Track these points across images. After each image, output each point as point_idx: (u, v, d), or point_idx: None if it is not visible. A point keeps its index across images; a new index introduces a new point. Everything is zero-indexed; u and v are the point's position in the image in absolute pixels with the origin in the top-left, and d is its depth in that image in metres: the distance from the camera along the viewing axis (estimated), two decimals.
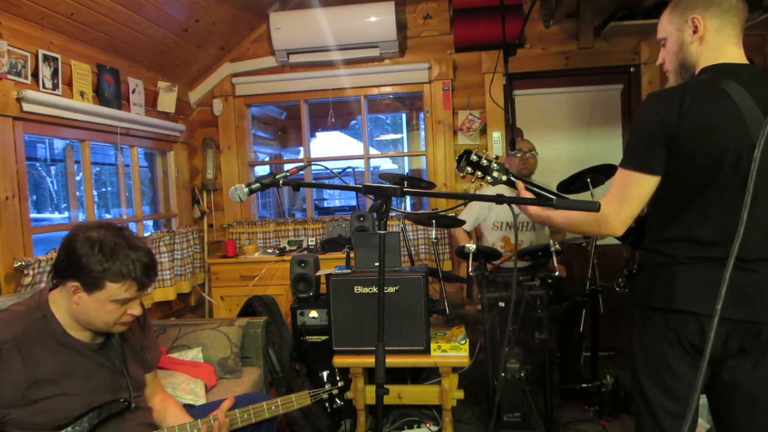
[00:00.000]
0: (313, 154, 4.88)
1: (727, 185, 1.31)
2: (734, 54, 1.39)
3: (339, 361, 2.59)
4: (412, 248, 3.68)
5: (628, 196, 1.39)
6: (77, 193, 3.02)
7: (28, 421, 1.39)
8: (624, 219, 1.39)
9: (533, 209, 1.52)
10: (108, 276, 1.41)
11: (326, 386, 1.84)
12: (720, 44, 1.39)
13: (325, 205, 5.99)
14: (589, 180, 2.83)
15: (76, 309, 1.46)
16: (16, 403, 1.38)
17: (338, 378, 1.87)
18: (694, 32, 1.40)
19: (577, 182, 2.86)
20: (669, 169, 1.36)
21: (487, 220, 3.30)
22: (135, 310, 1.51)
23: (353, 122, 5.98)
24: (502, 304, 2.67)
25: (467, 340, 2.59)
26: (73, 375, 1.47)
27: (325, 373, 1.87)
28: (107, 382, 1.53)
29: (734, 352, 1.33)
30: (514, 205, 1.50)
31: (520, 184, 1.57)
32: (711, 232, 1.33)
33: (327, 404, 1.84)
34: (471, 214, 3.31)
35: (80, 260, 1.40)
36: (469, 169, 1.57)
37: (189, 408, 1.91)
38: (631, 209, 1.39)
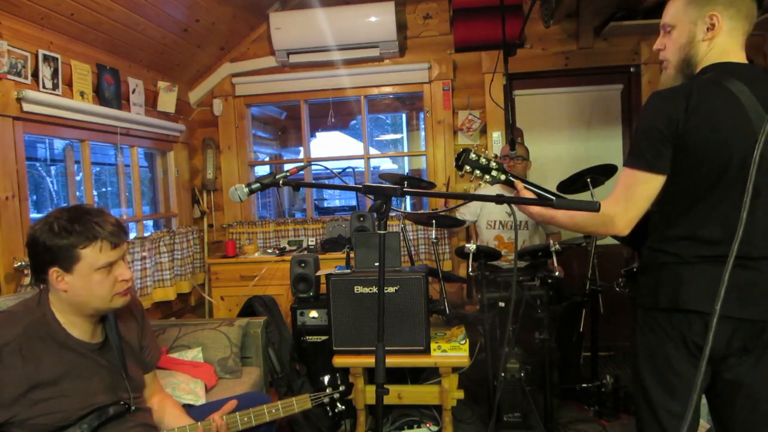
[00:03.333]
0: (313, 154, 4.88)
1: (733, 184, 1.31)
2: (737, 56, 1.39)
3: (339, 361, 2.59)
4: (412, 248, 3.68)
5: (634, 196, 1.38)
6: (77, 193, 3.01)
7: (30, 422, 1.39)
8: (630, 219, 1.39)
9: (535, 208, 1.51)
10: (77, 243, 1.40)
11: (327, 390, 1.84)
12: (728, 46, 1.38)
13: (325, 205, 5.98)
14: (589, 180, 2.83)
15: (68, 297, 1.44)
16: (19, 405, 1.38)
17: (339, 382, 1.86)
18: (709, 29, 1.37)
19: (577, 182, 2.86)
20: (675, 168, 1.35)
21: (481, 218, 3.33)
22: (124, 273, 1.49)
23: (353, 122, 5.97)
24: (502, 304, 2.66)
25: (467, 340, 2.59)
26: (73, 376, 1.46)
27: (326, 378, 1.86)
28: (107, 383, 1.53)
29: (736, 350, 1.33)
30: (512, 205, 1.50)
31: (519, 184, 1.56)
32: (717, 231, 1.33)
33: (328, 408, 1.83)
34: (468, 210, 3.38)
35: (46, 244, 1.39)
36: (468, 167, 1.56)
37: (189, 408, 1.91)
38: (637, 209, 1.38)
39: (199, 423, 1.63)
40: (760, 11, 3.08)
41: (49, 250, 1.39)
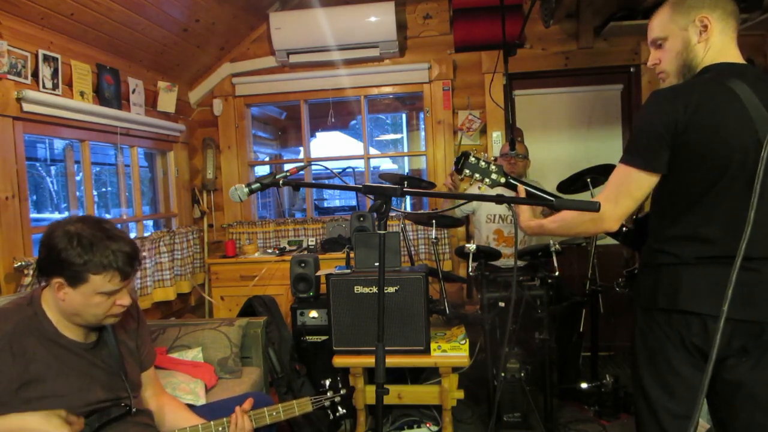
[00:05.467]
0: (313, 154, 4.88)
1: (734, 183, 1.30)
2: (734, 55, 1.39)
3: (339, 361, 2.59)
4: (412, 248, 3.68)
5: (626, 193, 1.39)
6: (77, 193, 3.01)
7: None
8: (619, 215, 1.39)
9: (525, 222, 1.53)
10: (90, 268, 1.39)
11: (328, 393, 1.83)
12: (723, 45, 1.38)
13: (325, 205, 5.98)
14: (589, 180, 2.83)
15: (63, 305, 1.45)
16: (11, 403, 1.37)
17: (340, 386, 1.86)
18: (702, 32, 1.38)
19: (577, 182, 2.87)
20: (675, 167, 1.35)
21: (481, 212, 3.32)
22: (124, 300, 1.49)
23: (353, 122, 5.98)
24: (502, 304, 2.67)
25: (467, 340, 2.59)
26: (65, 374, 1.46)
27: (327, 381, 1.86)
28: (103, 382, 1.52)
29: (736, 351, 1.33)
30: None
31: (520, 188, 1.56)
32: (717, 231, 1.32)
33: (329, 411, 1.82)
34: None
35: (60, 255, 1.38)
36: (467, 171, 1.55)
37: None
38: (627, 206, 1.39)
39: (224, 419, 1.63)
40: (760, 11, 3.08)
41: (61, 262, 1.39)
